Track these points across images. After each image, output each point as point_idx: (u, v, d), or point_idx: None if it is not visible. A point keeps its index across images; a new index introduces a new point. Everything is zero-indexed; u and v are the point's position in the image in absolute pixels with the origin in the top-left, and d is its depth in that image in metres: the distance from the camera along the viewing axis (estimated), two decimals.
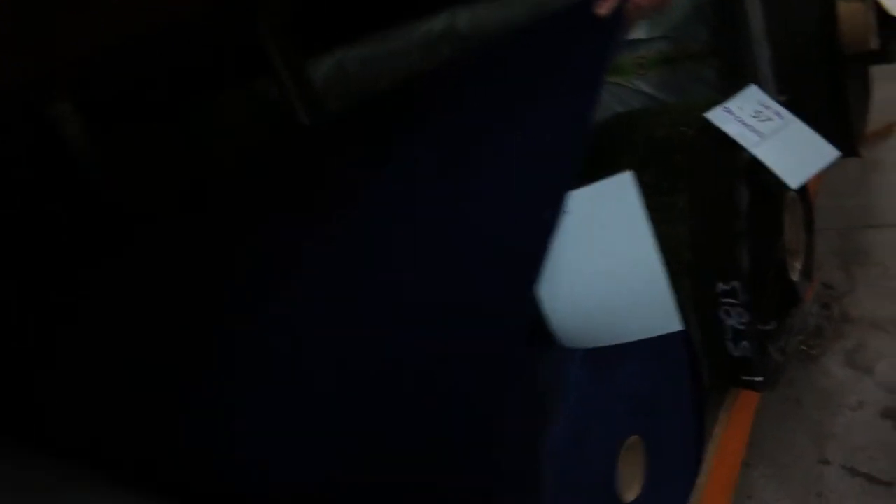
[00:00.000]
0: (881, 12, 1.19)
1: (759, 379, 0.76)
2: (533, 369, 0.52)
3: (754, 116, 0.75)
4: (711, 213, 0.73)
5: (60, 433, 0.80)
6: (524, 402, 0.51)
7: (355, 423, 0.53)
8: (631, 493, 0.64)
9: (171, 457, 0.69)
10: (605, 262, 0.52)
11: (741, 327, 0.73)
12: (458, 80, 0.77)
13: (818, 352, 1.23)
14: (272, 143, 1.25)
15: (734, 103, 0.77)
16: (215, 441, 0.65)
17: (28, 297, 0.98)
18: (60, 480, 0.74)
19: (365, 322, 0.57)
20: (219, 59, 1.49)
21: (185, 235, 0.89)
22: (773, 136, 0.74)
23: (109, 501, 0.70)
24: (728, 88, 1.18)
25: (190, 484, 0.69)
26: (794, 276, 0.83)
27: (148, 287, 0.83)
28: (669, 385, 0.70)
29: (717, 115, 0.75)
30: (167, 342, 0.73)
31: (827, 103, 1.10)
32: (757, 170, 0.72)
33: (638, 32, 1.19)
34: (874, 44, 1.15)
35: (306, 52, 1.51)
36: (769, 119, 0.75)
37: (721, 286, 0.72)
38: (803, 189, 0.87)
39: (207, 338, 0.69)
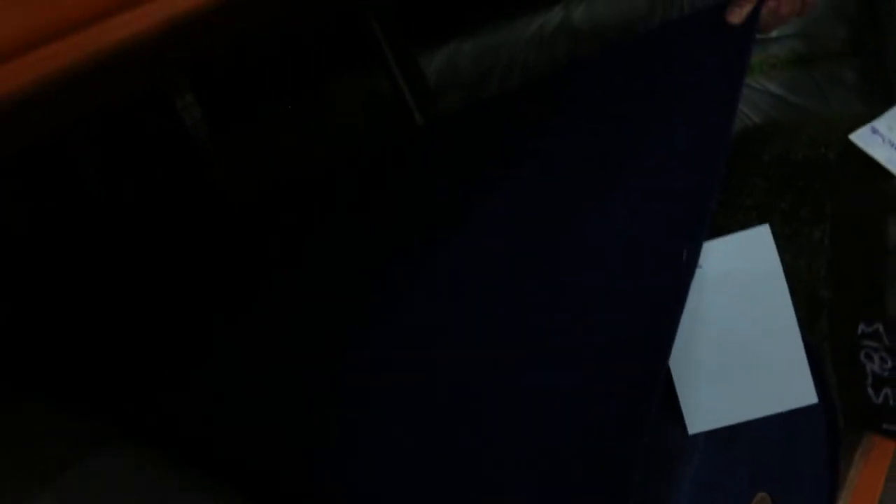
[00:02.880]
0: None
1: None
2: (659, 435, 0.49)
3: None
4: (854, 247, 0.66)
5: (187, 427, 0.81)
6: (648, 472, 0.48)
7: (476, 463, 0.51)
8: None
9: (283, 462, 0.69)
10: (736, 325, 0.47)
11: (884, 373, 0.66)
12: (583, 90, 0.72)
13: None
14: (389, 145, 1.23)
15: (882, 122, 0.69)
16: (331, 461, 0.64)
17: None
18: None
19: (494, 350, 0.54)
20: (330, 51, 1.50)
21: (307, 244, 0.89)
22: None
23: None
24: (871, 93, 1.09)
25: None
26: None
27: (271, 290, 0.83)
28: (802, 436, 0.64)
29: (862, 137, 0.68)
30: (292, 350, 0.73)
31: None
32: None
33: None
34: None
35: (418, 44, 1.49)
36: None
37: (863, 327, 0.66)
38: None
39: (334, 352, 0.67)
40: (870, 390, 0.68)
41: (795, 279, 0.69)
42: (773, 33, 1.11)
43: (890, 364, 0.66)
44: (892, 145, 0.68)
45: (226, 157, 1.47)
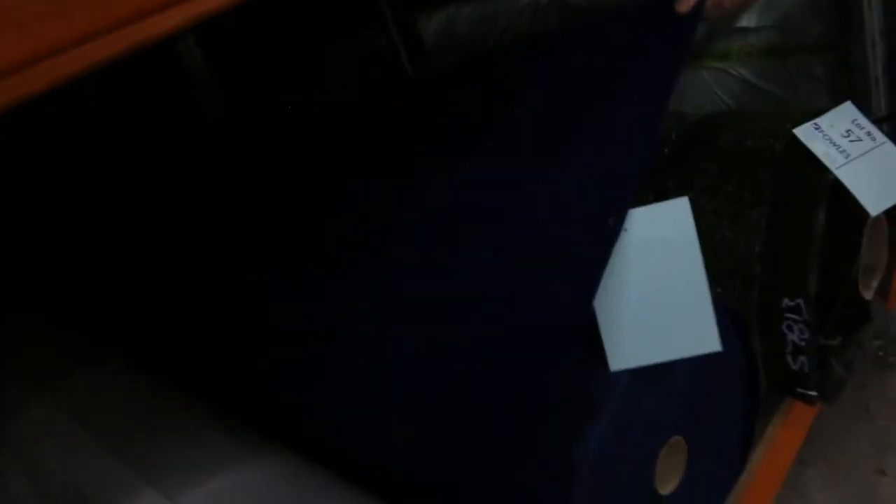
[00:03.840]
0: None
1: (814, 394, 0.78)
2: (584, 373, 0.57)
3: (844, 136, 0.75)
4: (787, 230, 0.74)
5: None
6: (571, 403, 0.56)
7: (416, 397, 0.59)
8: (668, 487, 0.68)
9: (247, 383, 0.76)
10: (654, 282, 0.55)
11: (801, 343, 0.75)
12: (550, 60, 0.78)
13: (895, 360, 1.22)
14: (375, 94, 1.29)
15: (825, 120, 0.77)
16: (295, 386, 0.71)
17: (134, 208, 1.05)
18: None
19: (438, 301, 0.62)
20: (331, 5, 1.54)
21: (284, 175, 0.94)
22: (860, 157, 0.74)
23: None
24: (837, 87, 1.16)
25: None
26: (868, 296, 0.84)
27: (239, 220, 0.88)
28: (722, 390, 0.73)
29: (805, 132, 0.76)
30: (255, 278, 0.79)
31: None
32: (840, 190, 0.73)
33: (747, 20, 1.17)
34: None
35: (417, 6, 1.54)
36: (859, 139, 0.75)
37: (786, 301, 0.74)
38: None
39: (296, 287, 0.74)
40: (789, 358, 0.76)
41: (733, 255, 0.77)
42: (752, 24, 1.17)
43: (807, 335, 0.74)
44: (832, 142, 0.76)
45: (223, 98, 1.52)
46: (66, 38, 0.29)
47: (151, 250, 0.92)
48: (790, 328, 0.75)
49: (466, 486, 0.59)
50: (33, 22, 0.28)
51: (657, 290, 0.56)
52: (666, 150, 0.87)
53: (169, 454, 0.65)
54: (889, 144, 0.76)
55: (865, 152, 0.75)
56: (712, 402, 0.72)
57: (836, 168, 0.73)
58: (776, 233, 0.75)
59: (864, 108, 0.81)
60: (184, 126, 1.44)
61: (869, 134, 0.76)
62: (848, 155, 0.74)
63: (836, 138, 0.76)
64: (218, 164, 1.12)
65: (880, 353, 1.23)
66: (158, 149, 1.28)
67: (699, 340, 0.56)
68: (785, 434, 0.85)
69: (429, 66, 1.44)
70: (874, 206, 0.73)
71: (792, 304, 0.74)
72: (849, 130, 0.77)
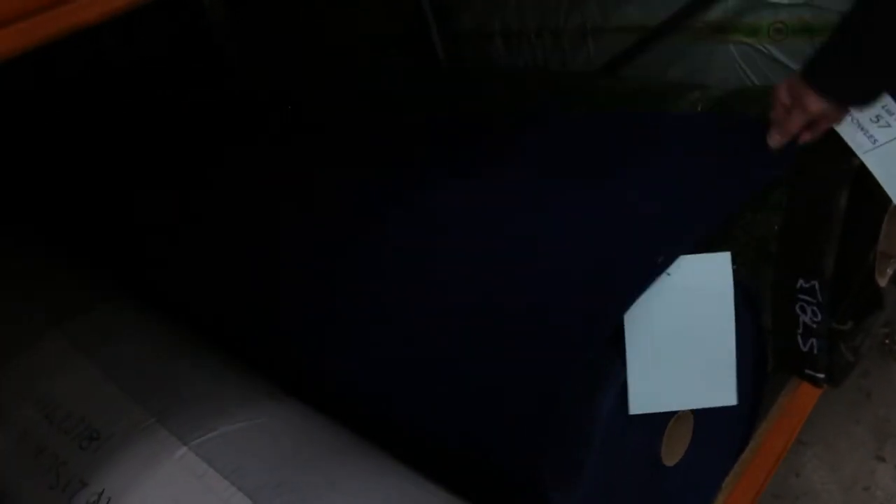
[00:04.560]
0: None
1: (821, 376, 0.78)
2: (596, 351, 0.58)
3: (873, 121, 0.74)
4: (807, 211, 0.74)
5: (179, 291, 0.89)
6: (583, 375, 0.57)
7: (431, 357, 0.60)
8: (673, 459, 0.69)
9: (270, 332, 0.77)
10: (685, 330, 0.58)
11: (813, 325, 0.75)
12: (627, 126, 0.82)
13: None
14: (414, 74, 1.27)
15: None
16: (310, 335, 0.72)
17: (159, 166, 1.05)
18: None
19: (475, 282, 0.63)
20: None
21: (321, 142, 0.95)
22: (888, 144, 0.73)
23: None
24: None
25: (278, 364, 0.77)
26: (882, 283, 0.84)
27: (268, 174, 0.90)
28: None
29: None
30: (281, 230, 0.80)
31: None
32: (864, 175, 0.72)
33: None
34: None
35: None
36: (887, 125, 0.74)
37: (801, 282, 0.74)
38: None
39: (325, 238, 0.75)
40: (799, 339, 0.77)
41: (752, 231, 0.77)
42: (785, 0, 1.15)
43: (820, 318, 0.74)
44: (859, 126, 0.75)
45: (240, 40, 1.51)
46: None
47: (171, 191, 0.93)
48: (803, 309, 0.75)
49: (476, 451, 0.60)
50: None
51: (686, 339, 0.58)
52: None
53: (181, 396, 0.66)
54: None
55: (893, 138, 0.74)
56: None
57: (863, 153, 0.72)
58: (796, 213, 0.74)
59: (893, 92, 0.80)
60: (202, 71, 1.43)
61: None
62: (875, 140, 0.74)
63: (865, 122, 0.75)
64: (237, 110, 1.12)
65: (886, 342, 1.23)
66: (177, 90, 1.28)
67: (718, 393, 0.60)
68: (788, 414, 0.86)
69: (461, 54, 1.40)
70: None
71: (807, 285, 0.74)
72: (878, 115, 0.76)
